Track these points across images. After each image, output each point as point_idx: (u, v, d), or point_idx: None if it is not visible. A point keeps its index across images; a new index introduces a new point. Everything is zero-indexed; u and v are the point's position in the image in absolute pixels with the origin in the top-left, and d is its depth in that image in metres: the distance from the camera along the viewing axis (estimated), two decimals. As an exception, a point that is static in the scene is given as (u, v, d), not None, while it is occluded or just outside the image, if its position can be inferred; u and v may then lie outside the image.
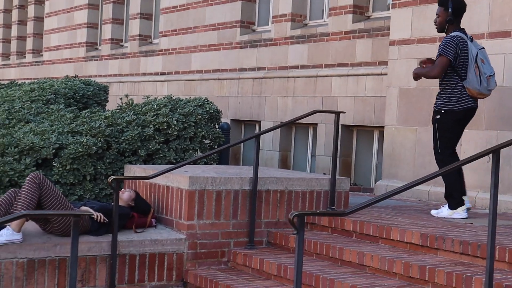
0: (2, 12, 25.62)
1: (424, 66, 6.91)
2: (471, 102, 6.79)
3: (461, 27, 6.94)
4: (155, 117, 8.19)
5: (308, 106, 11.80)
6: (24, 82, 11.86)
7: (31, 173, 6.05)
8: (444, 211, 6.94)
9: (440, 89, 6.90)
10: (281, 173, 7.34)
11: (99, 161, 7.69)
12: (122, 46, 18.32)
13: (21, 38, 24.27)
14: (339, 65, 11.33)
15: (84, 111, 8.62)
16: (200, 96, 14.24)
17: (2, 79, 24.86)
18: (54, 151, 7.50)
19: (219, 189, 6.55)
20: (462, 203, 6.87)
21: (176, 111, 8.35)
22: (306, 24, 12.48)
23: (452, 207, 6.90)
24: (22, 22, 24.24)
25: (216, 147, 8.69)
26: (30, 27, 23.28)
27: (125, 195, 6.66)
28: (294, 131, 12.50)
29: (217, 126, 8.89)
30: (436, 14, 6.95)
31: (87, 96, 9.91)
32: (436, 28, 7.04)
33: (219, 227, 6.57)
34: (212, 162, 8.53)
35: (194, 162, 7.54)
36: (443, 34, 7.02)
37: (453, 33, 6.78)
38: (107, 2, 18.70)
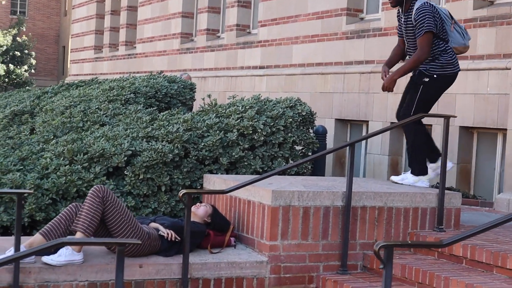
0: (95, 2, 26.19)
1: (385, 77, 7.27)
2: (458, 65, 7.31)
3: None
4: (239, 120, 7.97)
5: (422, 105, 11.34)
6: (106, 80, 11.93)
7: (95, 186, 5.94)
8: (409, 178, 7.25)
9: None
10: (380, 186, 6.98)
11: (175, 170, 7.54)
12: (218, 37, 18.29)
13: (114, 29, 24.72)
14: (459, 58, 10.81)
15: (162, 113, 8.49)
16: (302, 92, 14.04)
17: (95, 73, 25.43)
18: (126, 158, 7.41)
19: (306, 205, 6.28)
20: (426, 171, 7.28)
21: (263, 114, 8.10)
22: (362, 18, 12.05)
23: (417, 173, 7.25)
24: (115, 12, 24.66)
25: (309, 154, 8.39)
26: (123, 17, 23.66)
27: (201, 210, 6.47)
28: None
29: (310, 130, 8.58)
30: None
31: (170, 95, 9.82)
32: (391, 2, 7.30)
33: (307, 248, 6.30)
34: (305, 171, 8.23)
35: (283, 173, 7.27)
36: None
37: (420, 3, 7.10)
38: (203, -12, 18.71)
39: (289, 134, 8.17)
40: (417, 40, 7.07)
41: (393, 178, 7.42)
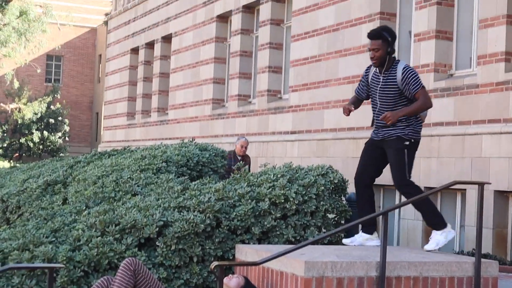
0: (128, 68, 26.57)
1: (346, 113, 7.57)
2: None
3: None
4: (271, 189, 7.92)
5: (455, 169, 11.24)
6: (138, 148, 11.99)
7: (127, 259, 5.93)
8: (438, 236, 7.38)
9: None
10: (415, 255, 6.86)
11: (207, 240, 7.50)
12: (249, 102, 18.38)
13: (147, 96, 24.99)
14: (490, 121, 10.74)
15: (194, 182, 8.48)
16: (334, 157, 14.00)
17: (127, 140, 25.63)
18: (158, 229, 7.38)
19: (340, 275, 6.17)
20: (445, 221, 7.46)
21: (295, 182, 8.05)
22: (451, 75, 11.98)
23: (441, 227, 7.39)
24: (147, 79, 24.97)
25: (342, 222, 8.30)
26: (155, 84, 23.94)
27: (233, 282, 6.41)
28: (439, 198, 11.92)
29: (343, 198, 8.51)
30: (373, 49, 7.31)
31: (201, 163, 9.82)
32: (374, 63, 7.39)
33: (342, 320, 6.17)
34: (338, 240, 8.13)
35: (315, 242, 7.19)
36: None
37: (404, 64, 7.37)
38: (234, 55, 18.90)
39: (321, 203, 8.10)
40: (415, 95, 7.29)
41: (427, 247, 7.37)
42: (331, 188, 8.29)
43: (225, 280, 6.35)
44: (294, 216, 7.94)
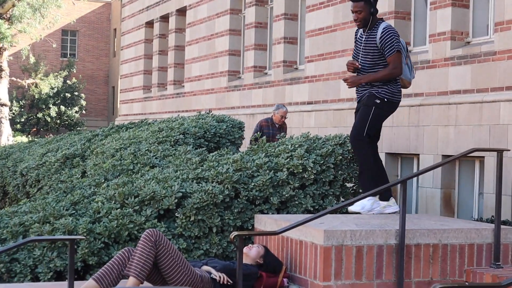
0: (143, 42, 26.53)
1: (351, 69, 7.43)
2: (401, 96, 7.52)
3: None
4: (288, 159, 7.91)
5: (473, 137, 11.18)
6: (155, 121, 12.00)
7: (147, 230, 5.94)
8: (366, 203, 7.36)
9: None
10: (434, 223, 6.85)
11: (226, 211, 7.52)
12: (265, 74, 18.33)
13: (162, 69, 24.96)
14: (508, 88, 10.65)
15: (212, 154, 8.49)
16: (351, 126, 13.94)
17: (144, 113, 25.65)
18: (176, 200, 7.40)
19: (359, 244, 6.18)
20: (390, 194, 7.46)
21: (313, 152, 8.04)
22: (468, 43, 11.88)
23: (385, 198, 7.39)
24: (163, 52, 24.92)
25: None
26: (171, 57, 23.90)
27: (253, 252, 6.43)
28: (458, 166, 11.88)
29: (361, 167, 8.49)
30: (356, 11, 7.32)
31: (219, 134, 9.82)
32: (358, 24, 7.41)
33: (361, 288, 6.18)
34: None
35: (334, 211, 7.19)
36: None
37: (385, 24, 7.35)
38: (249, 27, 18.81)
39: (340, 172, 8.09)
40: (387, 58, 7.29)
41: (351, 208, 7.44)
42: (348, 157, 8.26)
43: (245, 250, 6.38)
44: (312, 186, 7.94)
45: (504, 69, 10.74)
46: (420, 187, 12.35)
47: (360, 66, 7.47)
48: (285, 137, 10.77)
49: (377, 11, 7.39)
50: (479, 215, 11.29)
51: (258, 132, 11.02)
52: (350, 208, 7.47)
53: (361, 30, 7.54)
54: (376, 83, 7.34)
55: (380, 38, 7.28)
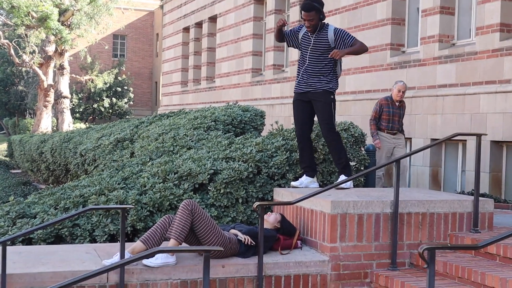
0: (181, 45, 26.56)
1: (280, 24, 7.13)
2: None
3: None
4: (302, 142, 7.93)
5: (457, 124, 11.16)
6: (191, 110, 12.05)
7: (185, 200, 6.00)
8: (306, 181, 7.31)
9: (322, 71, 7.20)
10: (423, 195, 6.87)
11: (250, 185, 7.56)
12: (283, 71, 18.33)
13: (197, 67, 25.00)
14: (487, 82, 10.62)
15: (238, 138, 8.53)
16: (354, 115, 13.95)
17: (181, 104, 25.71)
18: (209, 176, 7.46)
19: (360, 212, 6.21)
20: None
21: (322, 136, 8.05)
22: (453, 44, 11.83)
23: (312, 175, 7.39)
24: (197, 53, 24.96)
25: (362, 169, 8.32)
26: (204, 57, 23.93)
27: (271, 218, 6.49)
28: (444, 148, 11.86)
29: (362, 149, 8.51)
30: (309, 20, 7.08)
31: (244, 122, 9.84)
32: (310, 30, 7.16)
33: (361, 249, 6.22)
34: (358, 184, 8.16)
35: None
36: None
37: (333, 26, 7.21)
38: (270, 31, 18.82)
39: (345, 152, 8.09)
40: (352, 46, 7.13)
41: (294, 183, 7.42)
42: (352, 140, 8.28)
43: (265, 216, 6.43)
44: (321, 164, 7.97)
45: (484, 67, 10.71)
46: (412, 165, 12.36)
47: (286, 23, 7.20)
48: (403, 116, 10.44)
49: (324, 17, 7.22)
50: (461, 188, 11.29)
51: (378, 111, 10.49)
52: (292, 183, 7.47)
53: (305, 30, 7.31)
54: (325, 78, 7.21)
55: (335, 36, 7.15)
